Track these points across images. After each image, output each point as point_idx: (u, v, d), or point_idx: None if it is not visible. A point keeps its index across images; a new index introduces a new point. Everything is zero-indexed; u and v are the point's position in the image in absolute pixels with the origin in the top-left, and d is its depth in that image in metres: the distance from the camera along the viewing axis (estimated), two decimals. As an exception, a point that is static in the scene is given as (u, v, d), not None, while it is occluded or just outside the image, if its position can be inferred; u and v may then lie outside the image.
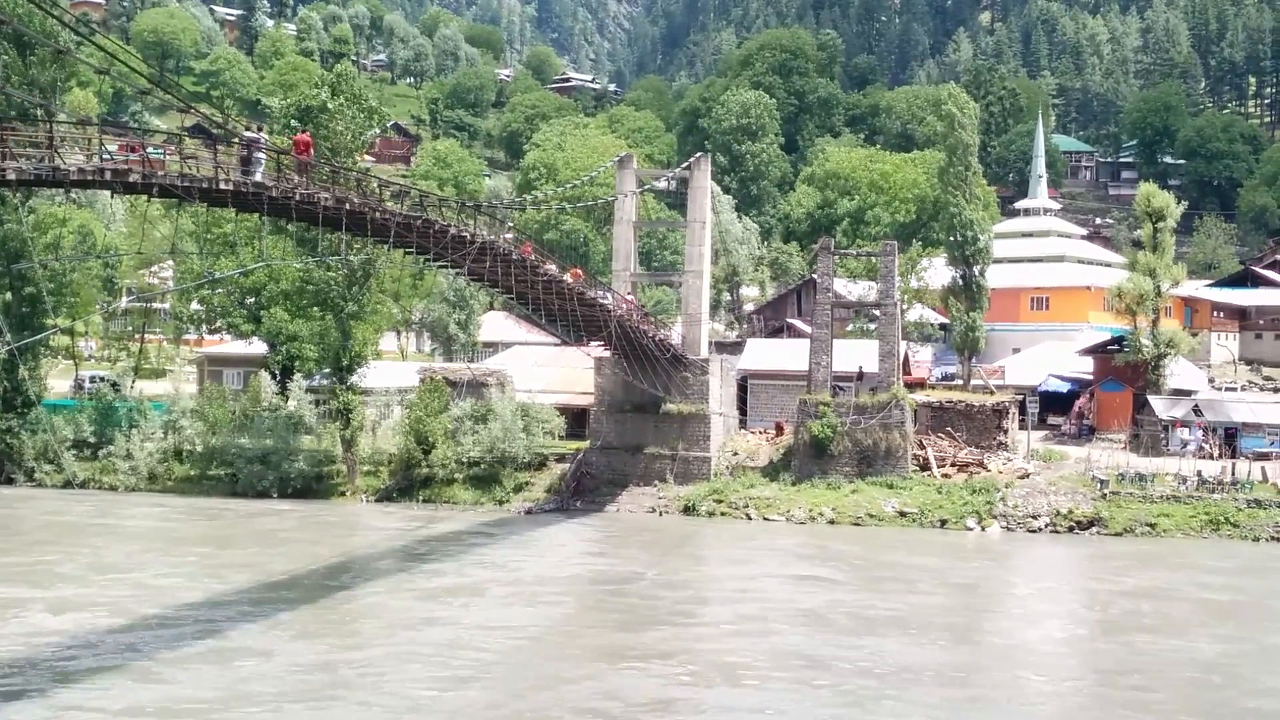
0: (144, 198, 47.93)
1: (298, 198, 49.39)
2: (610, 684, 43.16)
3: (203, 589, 56.93)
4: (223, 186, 45.95)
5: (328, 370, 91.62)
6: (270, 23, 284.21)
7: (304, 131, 58.59)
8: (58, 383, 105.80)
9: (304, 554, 66.03)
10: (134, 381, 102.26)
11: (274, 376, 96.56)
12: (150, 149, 47.19)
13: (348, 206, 52.59)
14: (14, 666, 43.10)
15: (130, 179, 43.24)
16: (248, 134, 49.74)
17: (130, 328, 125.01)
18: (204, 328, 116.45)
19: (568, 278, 74.53)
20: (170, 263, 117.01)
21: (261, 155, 48.41)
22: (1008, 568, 70.15)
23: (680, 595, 58.81)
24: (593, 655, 47.08)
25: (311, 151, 53.81)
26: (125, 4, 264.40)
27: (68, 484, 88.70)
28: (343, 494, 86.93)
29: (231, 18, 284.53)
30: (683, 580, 62.90)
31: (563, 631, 51.66)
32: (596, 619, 53.69)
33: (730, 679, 44.03)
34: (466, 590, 58.27)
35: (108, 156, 43.39)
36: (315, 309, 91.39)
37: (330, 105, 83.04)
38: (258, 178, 47.58)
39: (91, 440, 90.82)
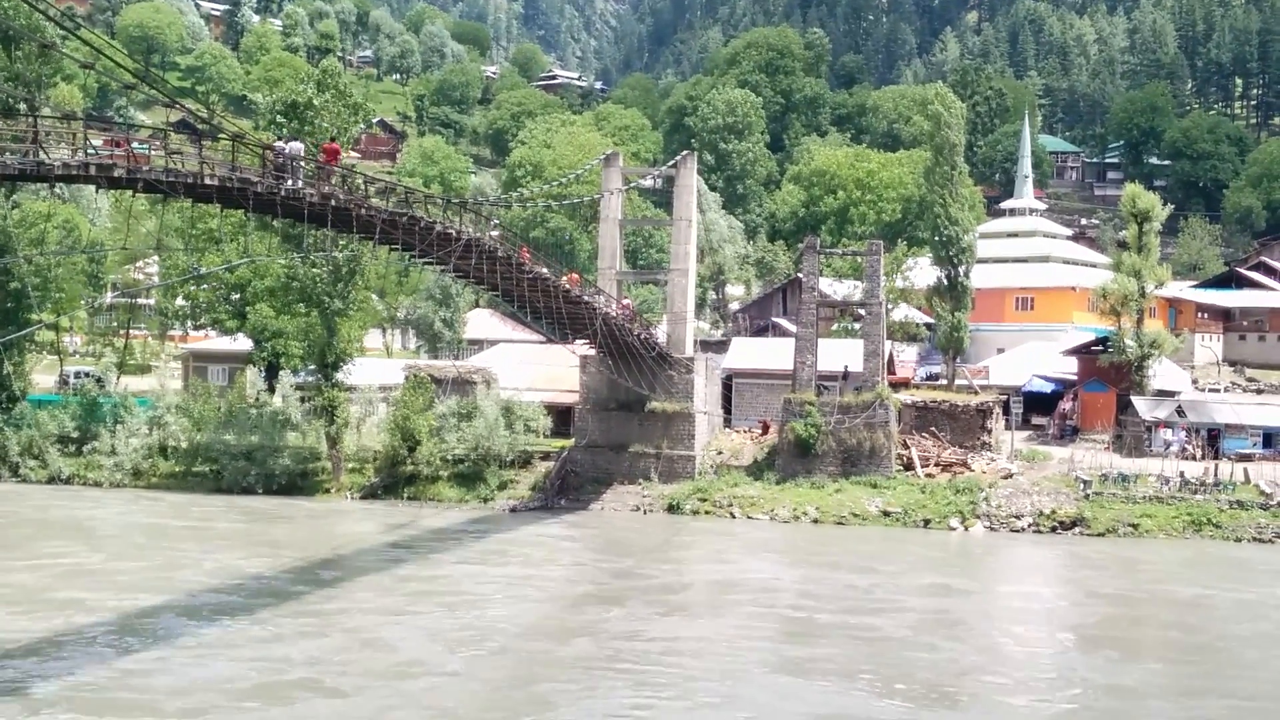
0: (129, 193, 47.84)
1: (283, 193, 49.39)
2: (589, 683, 43.16)
3: (184, 586, 56.78)
4: (207, 182, 45.94)
5: (313, 367, 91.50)
6: (256, 18, 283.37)
7: (332, 140, 59.11)
8: (42, 378, 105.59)
9: (287, 551, 65.91)
10: (119, 377, 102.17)
11: (260, 373, 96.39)
12: (135, 144, 47.14)
13: (333, 203, 52.54)
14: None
15: (115, 174, 43.24)
16: (281, 145, 50.78)
17: (115, 323, 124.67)
18: (189, 324, 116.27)
19: (565, 282, 74.64)
20: (155, 258, 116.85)
21: (299, 164, 49.76)
22: (990, 567, 70.35)
23: (661, 593, 58.78)
24: (573, 654, 47.01)
25: (339, 159, 54.89)
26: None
27: (52, 480, 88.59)
28: (327, 491, 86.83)
29: (217, 13, 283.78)
30: (665, 578, 62.84)
31: (545, 629, 51.60)
32: (578, 617, 53.62)
33: (712, 679, 44.01)
34: (449, 588, 58.23)
35: (93, 151, 43.47)
36: (300, 305, 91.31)
37: (316, 101, 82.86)
38: (290, 184, 49.08)
39: (76, 436, 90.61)
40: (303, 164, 50.57)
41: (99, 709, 38.67)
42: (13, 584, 56.62)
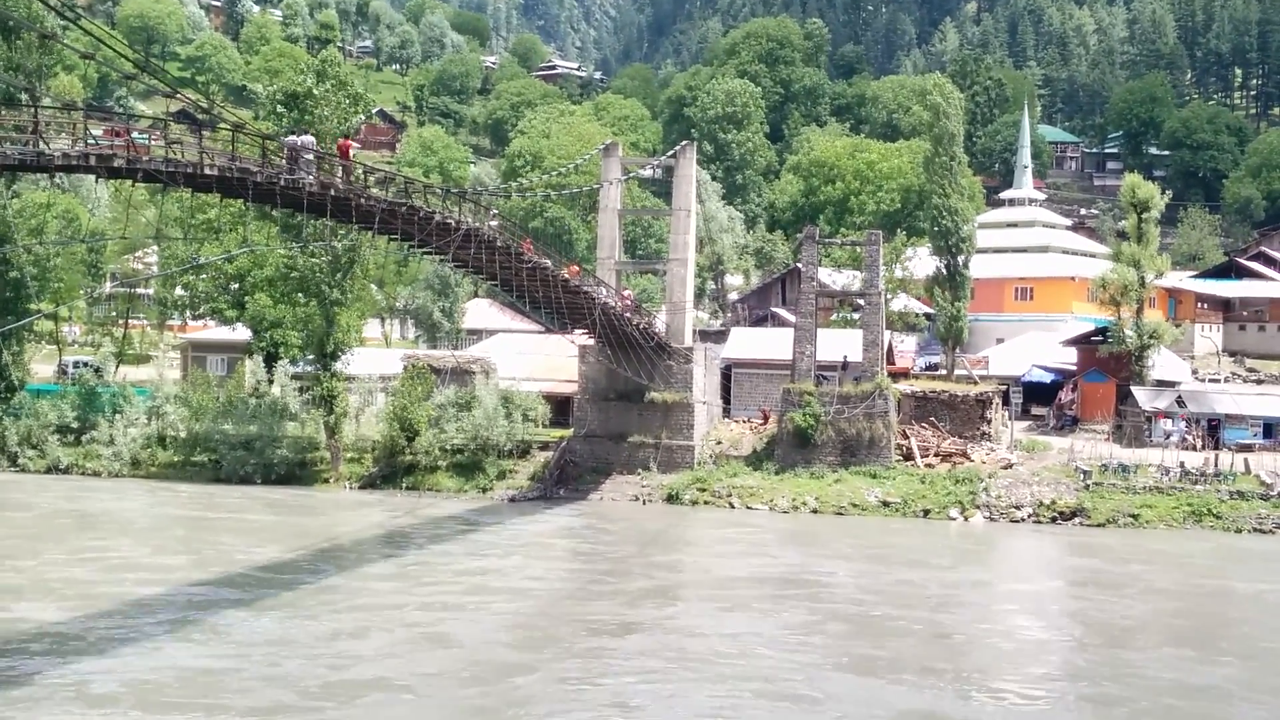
0: (128, 183, 47.88)
1: (283, 183, 49.39)
2: (587, 671, 43.04)
3: (182, 575, 56.72)
4: (207, 172, 45.94)
5: (312, 357, 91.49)
6: (256, 8, 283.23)
7: (346, 138, 59.44)
8: (41, 368, 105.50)
9: (285, 541, 65.86)
10: (118, 367, 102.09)
11: (259, 363, 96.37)
12: (135, 134, 47.14)
13: (332, 192, 52.53)
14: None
15: (115, 164, 43.23)
16: (294, 139, 51.38)
17: (114, 313, 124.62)
18: (188, 313, 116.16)
19: (565, 273, 74.68)
20: (154, 248, 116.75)
21: (309, 157, 50.34)
22: (990, 557, 70.37)
23: (660, 582, 58.82)
24: (570, 643, 46.91)
25: (350, 155, 55.48)
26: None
27: (51, 469, 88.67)
28: (326, 481, 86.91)
29: (217, 3, 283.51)
30: (664, 567, 62.89)
31: (542, 618, 51.49)
32: (576, 607, 53.60)
33: (712, 667, 43.95)
34: (446, 577, 58.18)
35: (93, 141, 43.39)
36: (299, 295, 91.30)
37: (315, 91, 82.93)
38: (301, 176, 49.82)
39: (75, 426, 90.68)
40: (312, 157, 50.90)
41: (93, 698, 38.65)
42: (8, 573, 56.68)
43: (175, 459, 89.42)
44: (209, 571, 57.59)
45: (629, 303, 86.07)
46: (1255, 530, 74.15)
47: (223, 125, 50.07)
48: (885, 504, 79.05)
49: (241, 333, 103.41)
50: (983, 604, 57.29)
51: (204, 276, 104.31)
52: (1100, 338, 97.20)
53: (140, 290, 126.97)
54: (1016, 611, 55.64)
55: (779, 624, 50.43)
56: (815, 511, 78.80)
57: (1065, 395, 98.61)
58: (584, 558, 66.45)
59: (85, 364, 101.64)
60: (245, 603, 51.49)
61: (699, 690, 40.85)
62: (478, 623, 49.86)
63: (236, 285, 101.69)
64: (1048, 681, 44.19)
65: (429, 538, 68.48)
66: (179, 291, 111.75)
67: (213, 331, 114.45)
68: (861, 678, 43.16)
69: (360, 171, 56.32)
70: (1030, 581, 63.56)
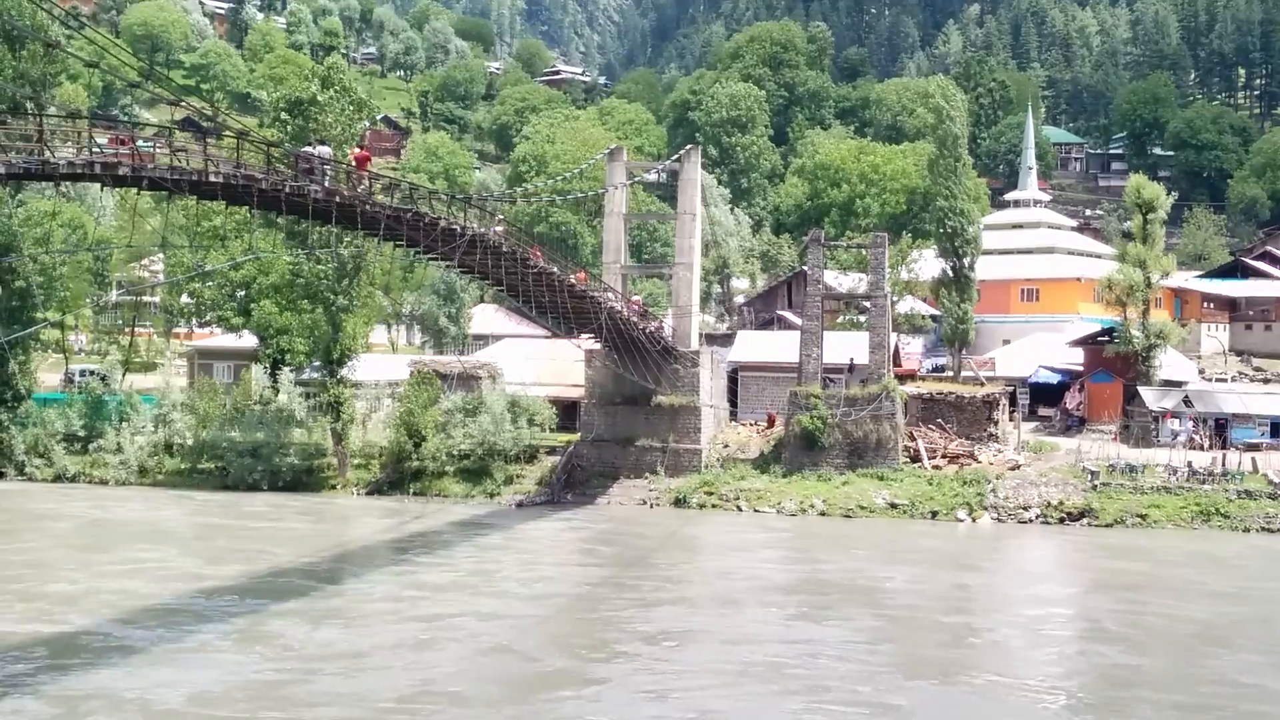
0: (134, 191, 47.97)
1: (288, 190, 49.47)
2: (660, 682, 42.62)
3: (190, 583, 56.84)
4: (212, 179, 46.01)
5: (318, 363, 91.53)
6: (260, 16, 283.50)
7: (362, 149, 60.14)
8: (48, 376, 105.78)
9: (293, 548, 65.96)
10: (124, 375, 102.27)
11: (265, 370, 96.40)
12: (140, 142, 47.22)
13: (338, 199, 52.61)
14: None
15: (120, 172, 43.34)
16: (310, 150, 52.73)
17: (120, 321, 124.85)
18: (194, 321, 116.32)
19: (573, 279, 74.75)
20: (160, 256, 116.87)
21: (327, 168, 51.26)
22: (1021, 559, 70.25)
23: (670, 585, 58.73)
24: (632, 652, 46.41)
25: (369, 165, 56.58)
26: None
27: (58, 478, 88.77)
28: (333, 487, 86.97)
29: (221, 11, 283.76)
30: (674, 570, 62.79)
31: (553, 623, 51.49)
32: (587, 610, 53.59)
33: (723, 671, 43.91)
34: (456, 583, 58.23)
35: (97, 150, 43.45)
36: (305, 302, 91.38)
37: (320, 98, 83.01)
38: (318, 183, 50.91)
39: (81, 434, 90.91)
40: (328, 168, 51.73)
41: (101, 706, 38.75)
42: (16, 581, 56.66)
43: (182, 467, 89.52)
44: (211, 580, 57.66)
45: (637, 308, 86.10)
46: (1264, 529, 73.96)
47: (227, 133, 50.12)
48: (893, 506, 78.99)
49: (248, 340, 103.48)
50: (1038, 607, 56.28)
51: (210, 284, 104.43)
52: (1106, 338, 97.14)
53: (146, 298, 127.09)
54: (1072, 617, 55.20)
55: (843, 631, 49.86)
56: (823, 514, 78.73)
57: (1071, 398, 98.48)
58: (612, 563, 65.87)
59: (92, 372, 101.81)
60: (301, 613, 51.49)
61: (778, 702, 40.37)
62: (527, 631, 49.71)
63: (243, 292, 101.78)
64: (1128, 688, 43.51)
65: (435, 544, 68.54)
66: (185, 299, 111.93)
67: (219, 339, 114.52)
68: (943, 687, 42.65)
69: (366, 178, 56.38)
70: (1068, 584, 63.12)
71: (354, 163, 57.03)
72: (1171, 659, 47.27)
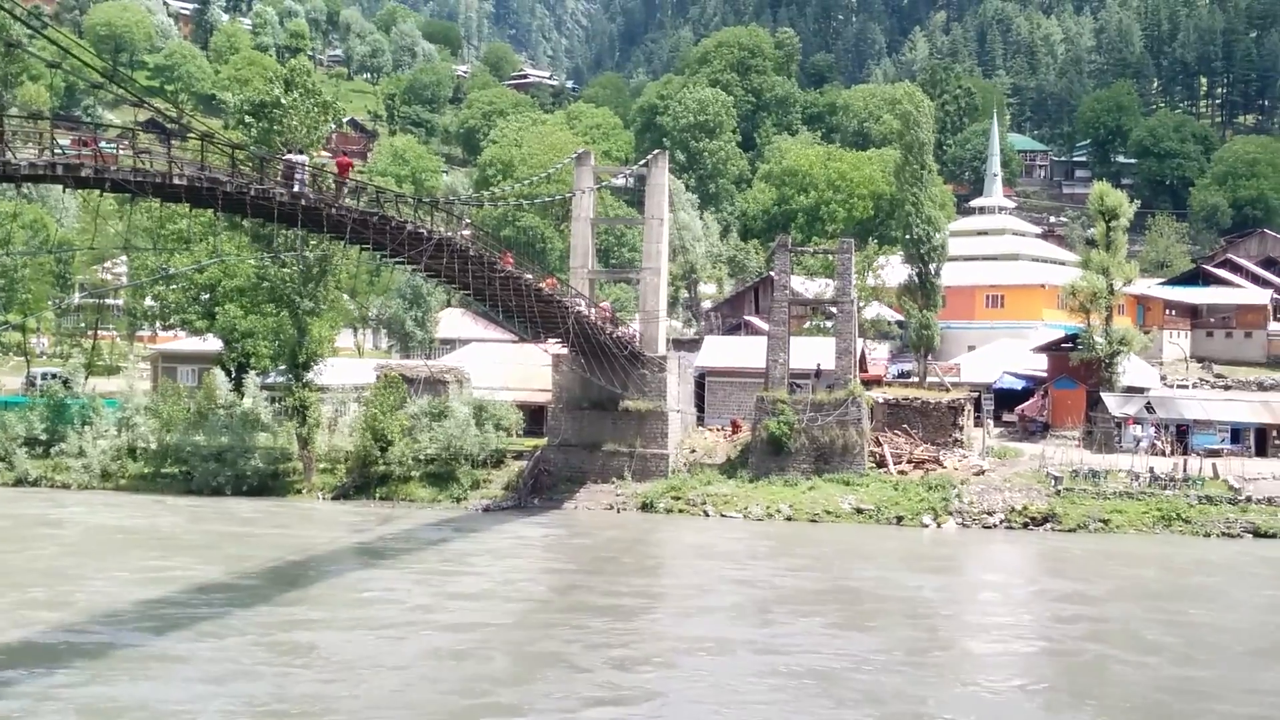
0: (97, 193, 47.63)
1: (253, 192, 49.24)
2: (560, 683, 42.81)
3: (151, 588, 56.25)
4: (176, 181, 45.72)
5: (284, 367, 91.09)
6: (225, 17, 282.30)
7: (343, 155, 60.16)
8: (9, 380, 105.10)
9: (257, 553, 65.49)
10: (87, 378, 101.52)
11: (229, 374, 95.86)
12: (103, 144, 46.91)
13: (303, 202, 52.39)
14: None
15: (83, 174, 43.00)
16: (290, 156, 52.80)
17: (83, 324, 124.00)
18: (158, 324, 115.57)
19: (544, 286, 74.69)
20: (124, 258, 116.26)
21: (303, 175, 51.52)
22: (965, 562, 70.43)
23: (635, 592, 58.66)
24: (544, 654, 46.62)
25: (350, 173, 56.85)
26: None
27: (19, 482, 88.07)
28: (299, 492, 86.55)
29: (186, 12, 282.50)
30: (638, 577, 62.69)
31: (517, 629, 51.26)
32: (551, 617, 53.42)
33: (687, 675, 43.89)
34: (420, 588, 57.88)
35: (60, 151, 43.09)
36: (271, 305, 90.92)
37: (285, 100, 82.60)
38: (296, 189, 51.36)
39: (44, 438, 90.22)
40: (303, 173, 51.99)
41: (55, 714, 38.43)
42: (148, 599, 55.12)
43: (146, 471, 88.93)
44: (172, 585, 57.12)
45: (606, 314, 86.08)
46: (1224, 534, 74.47)
47: (192, 135, 49.86)
48: (859, 511, 79.17)
49: (213, 343, 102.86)
50: (1071, 613, 55.77)
51: (174, 287, 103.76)
52: (1070, 345, 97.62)
53: (109, 301, 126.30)
54: (1110, 624, 54.52)
55: (883, 641, 49.43)
56: (789, 519, 78.83)
57: (1035, 404, 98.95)
58: (579, 568, 65.85)
59: (54, 376, 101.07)
60: (205, 617, 51.10)
61: (848, 714, 40.28)
62: (486, 639, 49.56)
63: (207, 296, 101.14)
64: (1166, 694, 43.22)
65: (400, 549, 68.21)
66: (149, 302, 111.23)
67: (183, 342, 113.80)
68: (999, 700, 42.39)
69: (331, 181, 56.17)
70: (1091, 584, 62.62)
71: (338, 167, 57.01)
72: (1213, 667, 46.83)
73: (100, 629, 48.48)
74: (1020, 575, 67.34)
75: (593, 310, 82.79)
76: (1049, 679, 45.25)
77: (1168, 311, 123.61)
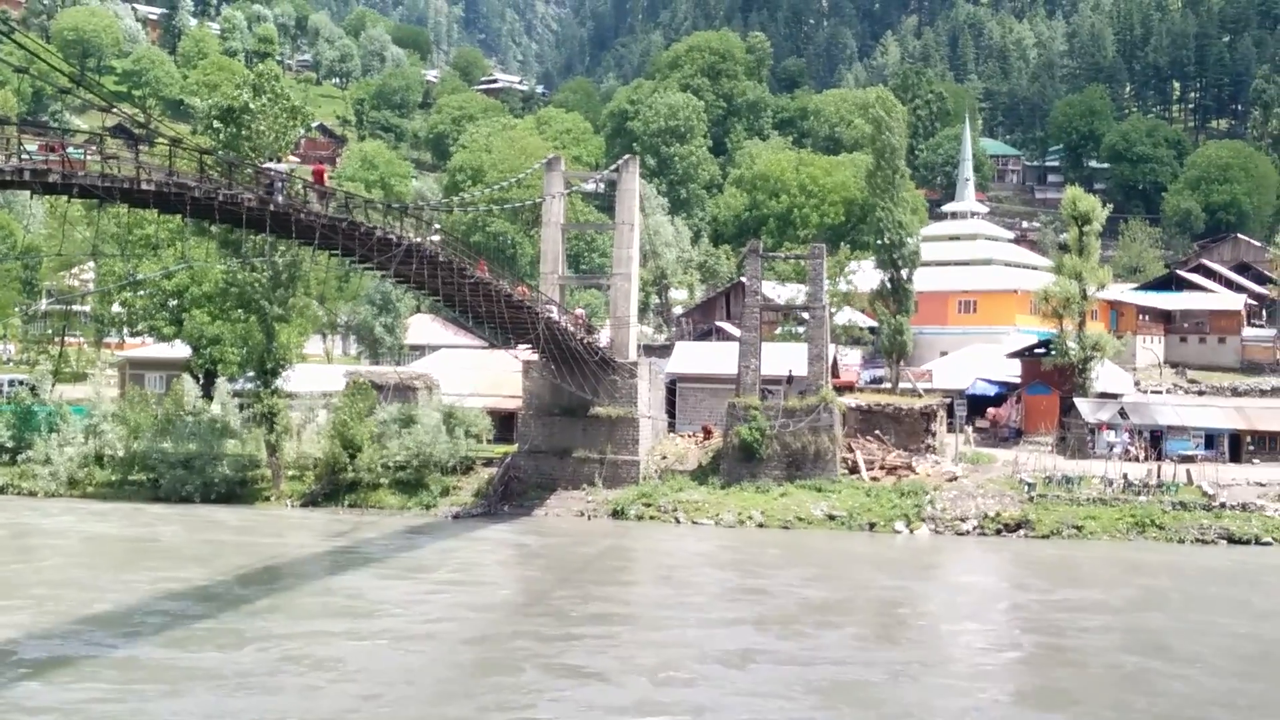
0: (64, 198, 47.16)
1: (221, 198, 48.78)
2: (531, 690, 42.54)
3: (117, 596, 55.73)
4: (144, 187, 45.26)
5: (252, 374, 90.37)
6: (193, 22, 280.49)
7: (320, 164, 60.30)
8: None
9: (224, 560, 64.94)
10: (53, 385, 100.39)
11: (197, 380, 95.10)
12: (71, 149, 46.45)
13: (272, 207, 51.95)
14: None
15: (50, 179, 42.67)
16: (270, 166, 54.19)
17: (50, 330, 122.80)
18: (125, 330, 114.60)
19: (514, 291, 74.39)
20: (91, 264, 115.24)
21: (283, 185, 52.02)
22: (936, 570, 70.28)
23: (604, 600, 58.32)
24: (515, 662, 46.20)
25: (325, 179, 57.76)
26: (45, 2, 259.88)
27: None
28: (267, 499, 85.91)
29: (154, 17, 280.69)
30: (607, 585, 62.36)
31: (485, 638, 50.90)
32: (520, 625, 52.95)
33: (653, 681, 43.53)
34: (388, 596, 57.51)
35: (27, 156, 42.70)
36: (239, 311, 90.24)
37: (253, 105, 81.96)
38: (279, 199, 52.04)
39: (10, 445, 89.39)
40: (284, 183, 52.52)
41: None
42: (166, 610, 54.20)
43: (113, 478, 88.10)
44: (139, 593, 56.58)
45: (580, 321, 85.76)
46: (1198, 540, 74.50)
47: (160, 140, 49.37)
48: (831, 518, 78.95)
49: (180, 350, 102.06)
50: (1098, 623, 55.48)
51: (142, 293, 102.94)
52: (1043, 350, 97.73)
53: (77, 307, 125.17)
54: (1121, 630, 54.37)
55: (914, 651, 49.23)
56: (761, 526, 78.58)
57: (1005, 410, 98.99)
58: (548, 576, 65.45)
59: (20, 382, 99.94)
60: (170, 625, 50.56)
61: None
62: (453, 647, 49.01)
63: (175, 302, 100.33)
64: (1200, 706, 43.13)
65: (369, 557, 67.65)
66: (116, 308, 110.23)
67: (151, 349, 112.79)
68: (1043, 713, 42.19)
69: (299, 186, 55.70)
70: (1108, 590, 62.66)
71: (314, 174, 56.99)
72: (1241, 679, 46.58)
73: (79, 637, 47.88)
74: (995, 577, 67.38)
75: (564, 317, 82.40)
76: (1024, 686, 45.00)
77: (1141, 317, 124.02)
